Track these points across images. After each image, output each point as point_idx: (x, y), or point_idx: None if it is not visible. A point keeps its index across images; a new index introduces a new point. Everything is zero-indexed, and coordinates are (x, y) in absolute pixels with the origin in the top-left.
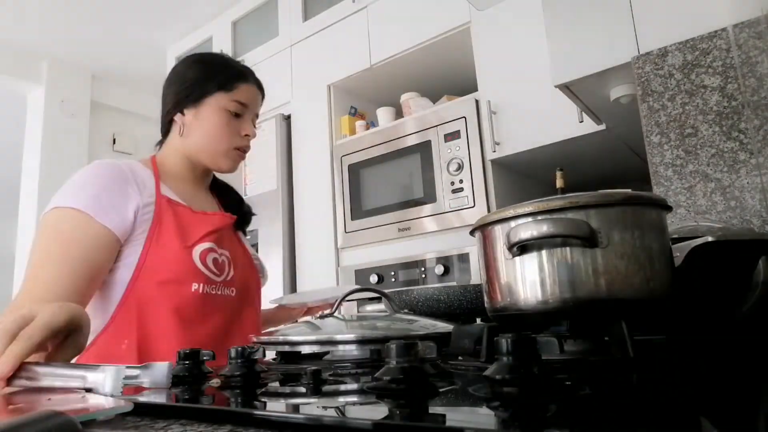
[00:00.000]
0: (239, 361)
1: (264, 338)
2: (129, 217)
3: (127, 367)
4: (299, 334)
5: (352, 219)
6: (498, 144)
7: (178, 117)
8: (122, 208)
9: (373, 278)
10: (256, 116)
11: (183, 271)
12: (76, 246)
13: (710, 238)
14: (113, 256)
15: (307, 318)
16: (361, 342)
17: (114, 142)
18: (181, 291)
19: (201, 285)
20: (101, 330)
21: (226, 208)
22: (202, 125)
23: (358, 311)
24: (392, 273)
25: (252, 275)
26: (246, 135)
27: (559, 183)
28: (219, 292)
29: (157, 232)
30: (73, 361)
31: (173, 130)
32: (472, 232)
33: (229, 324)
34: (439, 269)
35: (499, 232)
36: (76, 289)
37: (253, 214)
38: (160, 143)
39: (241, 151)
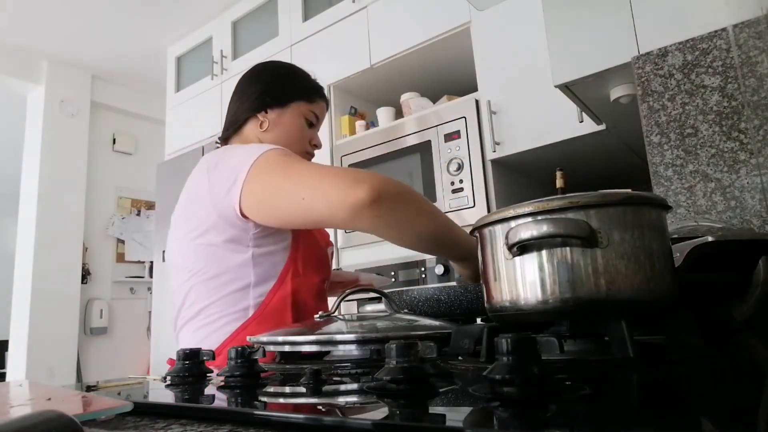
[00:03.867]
0: (239, 361)
1: (264, 338)
2: None
3: None
4: (299, 334)
5: None
6: (498, 144)
7: (261, 114)
8: None
9: None
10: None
11: (326, 271)
12: None
13: (710, 238)
14: None
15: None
16: (361, 342)
17: (114, 142)
18: (321, 285)
19: (328, 282)
20: (256, 311)
21: None
22: (284, 125)
23: (358, 311)
24: (392, 273)
25: None
26: (314, 144)
27: (559, 183)
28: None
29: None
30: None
31: (251, 123)
32: (472, 232)
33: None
34: (439, 269)
35: (499, 232)
36: None
37: None
38: (229, 135)
39: (309, 156)
